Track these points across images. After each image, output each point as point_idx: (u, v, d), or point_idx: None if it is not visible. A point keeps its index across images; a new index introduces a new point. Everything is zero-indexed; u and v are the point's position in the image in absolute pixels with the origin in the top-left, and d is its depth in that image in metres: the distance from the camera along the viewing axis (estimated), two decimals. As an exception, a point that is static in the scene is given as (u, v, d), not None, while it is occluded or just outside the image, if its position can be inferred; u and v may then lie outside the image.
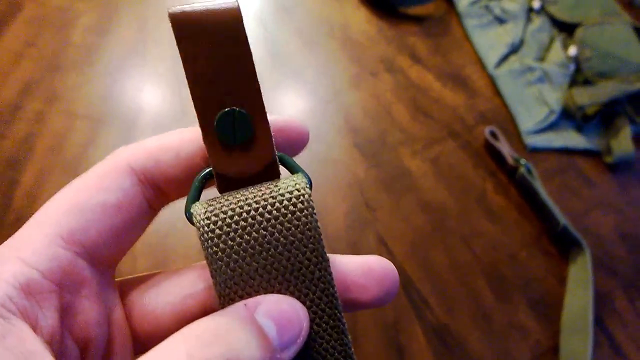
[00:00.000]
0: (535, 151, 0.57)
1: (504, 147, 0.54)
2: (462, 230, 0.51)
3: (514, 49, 0.63)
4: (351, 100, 0.61)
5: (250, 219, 0.17)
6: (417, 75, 0.63)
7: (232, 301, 0.17)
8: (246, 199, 0.17)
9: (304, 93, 0.62)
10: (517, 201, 0.53)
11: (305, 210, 0.18)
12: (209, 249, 0.17)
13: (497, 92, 0.61)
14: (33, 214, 0.48)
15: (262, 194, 0.17)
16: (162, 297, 0.19)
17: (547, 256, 0.50)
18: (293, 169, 0.19)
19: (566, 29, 0.64)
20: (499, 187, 0.54)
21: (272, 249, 0.17)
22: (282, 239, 0.17)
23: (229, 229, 0.17)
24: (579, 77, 0.61)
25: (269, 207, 0.17)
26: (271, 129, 0.19)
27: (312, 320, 0.18)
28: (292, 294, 0.17)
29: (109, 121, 0.59)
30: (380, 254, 0.48)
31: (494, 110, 0.60)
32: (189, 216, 0.18)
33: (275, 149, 0.19)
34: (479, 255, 0.49)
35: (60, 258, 0.16)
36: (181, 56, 0.18)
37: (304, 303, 0.17)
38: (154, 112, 0.60)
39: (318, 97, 0.61)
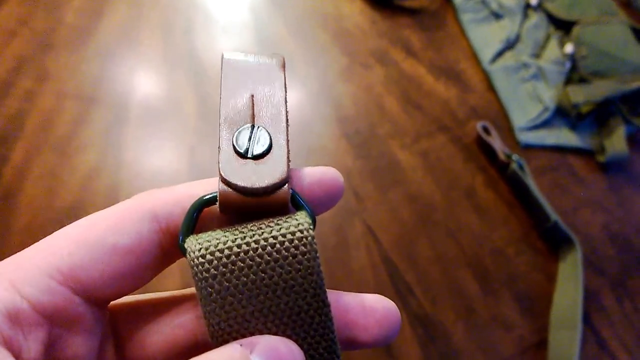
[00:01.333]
0: (527, 148, 0.56)
1: (496, 143, 0.54)
2: (449, 224, 0.51)
3: (510, 45, 0.63)
4: (341, 92, 0.61)
5: (248, 260, 0.16)
6: (410, 68, 0.63)
7: (225, 342, 0.16)
8: (244, 237, 0.16)
9: (294, 83, 0.61)
10: (506, 197, 0.53)
11: (307, 254, 0.17)
12: (202, 290, 0.16)
13: (491, 88, 0.61)
14: (22, 189, 0.47)
15: (262, 232, 0.17)
16: (152, 326, 0.19)
17: (535, 252, 0.50)
18: (298, 207, 0.18)
19: (563, 26, 0.64)
20: (489, 183, 0.54)
21: (271, 293, 0.16)
22: (281, 282, 0.16)
23: (224, 269, 0.16)
24: (575, 75, 0.61)
25: (268, 248, 0.16)
26: (304, 175, 0.19)
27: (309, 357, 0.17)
28: (289, 337, 0.17)
29: (100, 102, 0.59)
30: (367, 243, 0.48)
31: (487, 106, 0.60)
32: (183, 250, 0.17)
33: (288, 170, 0.18)
34: (465, 248, 0.49)
35: (54, 292, 0.15)
36: (222, 88, 0.19)
37: (301, 346, 0.17)
38: (144, 94, 0.59)
39: (308, 88, 0.61)
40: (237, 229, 0.17)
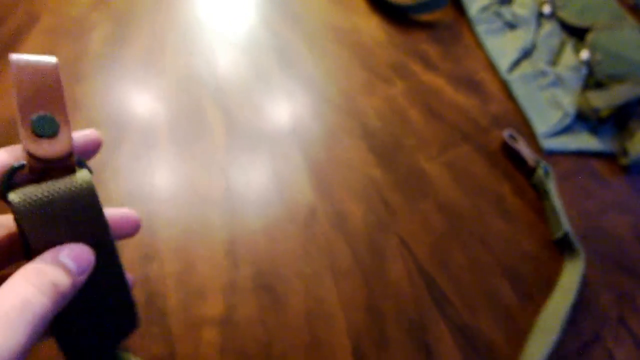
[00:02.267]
0: (550, 154, 0.58)
1: (524, 149, 0.56)
2: (481, 232, 0.53)
3: (526, 54, 0.65)
4: (364, 105, 0.63)
5: (52, 201, 0.24)
6: (430, 80, 0.65)
7: (41, 252, 0.24)
8: (49, 187, 0.25)
9: (316, 99, 0.63)
10: (534, 203, 0.55)
11: (89, 192, 0.25)
12: (24, 223, 0.23)
13: (510, 96, 0.63)
14: None
15: (61, 183, 0.25)
16: None
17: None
18: (82, 166, 0.27)
19: (576, 33, 0.67)
20: (516, 189, 0.56)
21: (69, 220, 0.25)
22: (75, 210, 0.25)
23: (37, 208, 0.24)
24: (590, 80, 0.63)
25: (66, 191, 0.25)
26: (74, 136, 0.27)
27: (97, 254, 0.26)
28: (84, 242, 0.25)
29: (129, 128, 0.60)
30: (401, 255, 0.50)
31: (508, 114, 0.62)
32: (6, 201, 0.24)
33: (73, 145, 0.26)
34: (498, 255, 0.51)
35: None
36: (14, 86, 0.25)
37: (92, 246, 0.26)
38: (173, 118, 0.61)
39: (330, 103, 0.63)
40: (43, 184, 0.25)
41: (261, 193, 0.56)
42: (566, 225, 0.50)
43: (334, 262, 0.51)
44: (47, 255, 0.24)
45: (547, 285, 0.50)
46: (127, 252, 0.51)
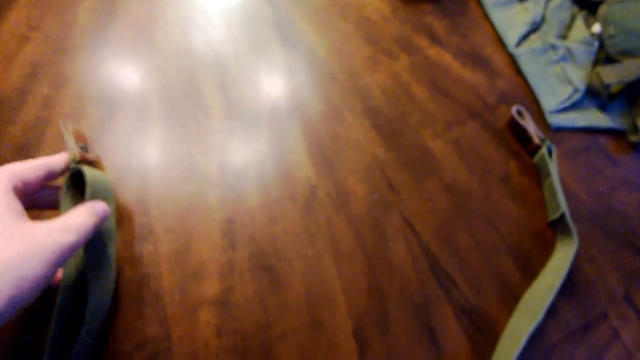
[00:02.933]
0: (558, 130, 0.58)
1: (530, 126, 0.55)
2: (487, 211, 0.52)
3: (535, 27, 0.65)
4: (368, 82, 0.62)
5: (95, 175, 0.47)
6: (436, 55, 0.64)
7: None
8: (93, 170, 0.47)
9: (317, 75, 0.63)
10: (541, 181, 0.55)
11: (106, 175, 0.48)
12: (89, 183, 0.45)
13: (518, 72, 0.62)
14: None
15: (97, 170, 0.48)
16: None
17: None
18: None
19: (588, 6, 0.66)
20: (523, 167, 0.55)
21: (100, 186, 0.47)
22: (104, 183, 0.48)
23: (91, 175, 0.46)
24: (601, 54, 0.62)
25: (100, 173, 0.48)
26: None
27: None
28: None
29: (120, 105, 0.60)
30: (405, 235, 0.50)
31: (515, 90, 0.61)
32: (79, 170, 0.46)
33: (96, 156, 0.51)
34: (505, 235, 0.51)
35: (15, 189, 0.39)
36: None
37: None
38: (167, 94, 0.60)
39: (333, 78, 0.62)
40: (92, 167, 0.48)
41: (260, 171, 0.55)
42: (563, 206, 0.50)
43: (336, 243, 0.50)
44: (86, 208, 0.40)
45: (554, 265, 0.50)
46: (122, 231, 0.51)
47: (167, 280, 0.49)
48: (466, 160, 0.56)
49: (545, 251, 0.50)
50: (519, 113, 0.57)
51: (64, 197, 0.45)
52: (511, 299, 0.47)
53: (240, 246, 0.50)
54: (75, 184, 0.47)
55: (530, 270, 0.49)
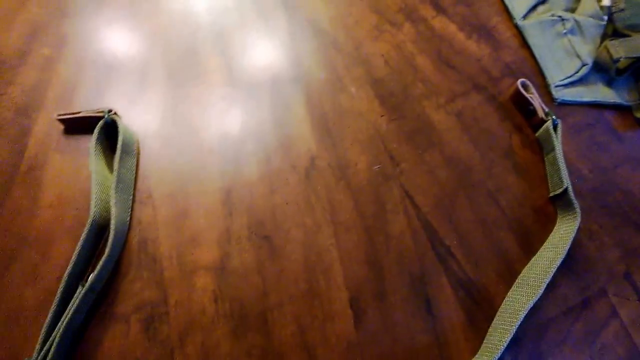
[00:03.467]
0: (563, 105, 0.55)
1: (535, 100, 0.52)
2: (488, 185, 0.50)
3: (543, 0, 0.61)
4: (372, 51, 0.59)
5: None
6: (440, 26, 0.61)
7: None
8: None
9: (321, 43, 0.59)
10: (543, 156, 0.52)
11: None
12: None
13: (524, 44, 0.59)
14: (47, 162, 0.51)
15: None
16: None
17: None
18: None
19: (598, -22, 0.62)
20: (526, 142, 0.53)
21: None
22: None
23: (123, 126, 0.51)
24: (609, 28, 0.58)
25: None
26: None
27: None
28: None
29: (121, 68, 0.57)
30: (404, 207, 0.48)
31: (521, 63, 0.58)
32: (112, 119, 0.51)
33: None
34: (505, 209, 0.48)
35: None
36: None
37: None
38: (167, 60, 0.57)
39: (337, 47, 0.59)
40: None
41: (260, 141, 0.53)
42: (566, 181, 0.47)
43: (335, 213, 0.48)
44: None
45: (554, 241, 0.47)
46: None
47: (165, 245, 0.47)
48: (469, 133, 0.53)
49: (545, 226, 0.48)
50: (524, 86, 0.54)
51: (94, 144, 0.49)
52: (510, 273, 0.45)
53: (239, 214, 0.48)
54: (105, 134, 0.51)
55: (530, 246, 0.47)
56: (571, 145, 0.52)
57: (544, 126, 0.51)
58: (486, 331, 0.42)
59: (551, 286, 0.44)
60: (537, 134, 0.52)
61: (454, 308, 0.43)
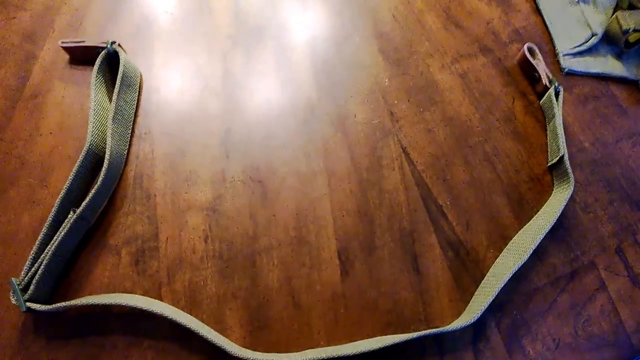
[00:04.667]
0: (570, 74, 0.45)
1: (541, 66, 0.43)
2: (486, 148, 0.41)
3: (561, -36, 0.50)
4: (381, 5, 0.49)
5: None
6: (453, -14, 0.50)
7: None
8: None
9: (334, -6, 0.49)
10: (545, 124, 0.43)
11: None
12: None
13: (536, 10, 0.49)
14: (51, 89, 0.38)
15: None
16: None
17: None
18: None
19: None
20: (529, 108, 0.43)
21: None
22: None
23: None
24: (624, 2, 0.48)
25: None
26: None
27: None
28: None
29: (130, 2, 0.47)
30: (400, 163, 0.38)
31: (531, 29, 0.48)
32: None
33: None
34: (501, 174, 0.40)
35: None
36: None
37: None
38: (174, 2, 0.48)
39: None
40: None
41: (262, 84, 0.44)
42: (563, 149, 0.39)
43: (330, 163, 0.40)
44: None
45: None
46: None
47: (160, 182, 0.39)
48: (471, 94, 0.44)
49: (541, 195, 0.39)
50: (530, 51, 0.44)
51: (95, 74, 0.40)
52: (500, 238, 0.37)
53: (235, 157, 0.40)
54: (108, 65, 0.42)
55: (523, 212, 0.39)
56: (575, 116, 0.43)
57: (547, 93, 0.42)
58: (471, 294, 0.35)
59: (540, 255, 0.37)
60: (540, 101, 0.43)
61: (441, 268, 0.36)
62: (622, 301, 0.35)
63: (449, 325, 0.33)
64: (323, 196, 0.38)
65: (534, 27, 0.48)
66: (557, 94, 0.42)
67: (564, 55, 0.45)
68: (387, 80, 0.44)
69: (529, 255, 0.34)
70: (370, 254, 0.36)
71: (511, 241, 0.37)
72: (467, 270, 0.36)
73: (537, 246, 0.35)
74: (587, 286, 0.35)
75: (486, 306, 0.33)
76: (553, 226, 0.37)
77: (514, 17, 0.48)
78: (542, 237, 0.35)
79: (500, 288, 0.33)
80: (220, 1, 0.48)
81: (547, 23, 0.47)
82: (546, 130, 0.42)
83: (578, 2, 0.47)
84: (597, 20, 0.46)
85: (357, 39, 0.46)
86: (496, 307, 0.35)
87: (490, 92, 0.44)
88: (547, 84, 0.42)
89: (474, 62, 0.45)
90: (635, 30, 0.44)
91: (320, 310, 0.34)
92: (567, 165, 0.38)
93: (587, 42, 0.45)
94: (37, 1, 0.47)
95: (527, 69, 0.44)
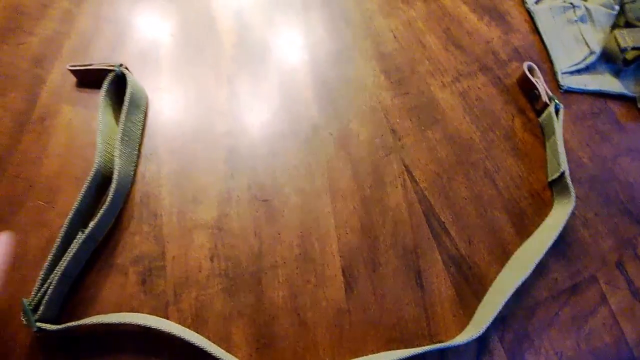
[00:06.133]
0: (568, 92, 0.48)
1: (540, 84, 0.46)
2: (487, 165, 0.44)
3: (558, -15, 0.54)
4: (382, 26, 0.52)
5: None
6: (452, 5, 0.54)
7: None
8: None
9: (333, 14, 0.53)
10: (544, 140, 0.46)
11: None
12: None
13: (535, 29, 0.52)
14: (59, 111, 0.40)
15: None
16: None
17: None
18: None
19: (614, -32, 0.54)
20: (528, 126, 0.47)
21: None
22: None
23: None
24: (620, 19, 0.51)
25: None
26: None
27: None
28: None
29: (136, 27, 0.51)
30: (403, 181, 0.42)
31: (530, 48, 0.51)
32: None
33: None
34: (502, 190, 0.43)
35: None
36: None
37: None
38: (182, 21, 0.51)
39: (348, 20, 0.52)
40: None
41: (266, 104, 0.47)
42: (564, 165, 0.42)
43: (333, 181, 0.43)
44: None
45: (548, 224, 0.42)
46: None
47: (166, 201, 0.42)
48: (472, 112, 0.47)
49: (541, 210, 0.42)
50: (530, 69, 0.47)
51: (103, 96, 0.43)
52: (502, 253, 0.40)
53: (240, 176, 0.43)
54: (115, 87, 0.45)
55: (524, 228, 0.41)
56: (573, 132, 0.46)
57: (547, 110, 0.45)
58: (474, 309, 0.38)
59: (542, 269, 0.39)
60: (540, 118, 0.46)
61: (444, 283, 0.38)
62: (623, 315, 0.37)
63: (453, 340, 0.35)
64: (327, 214, 0.41)
65: (532, 46, 0.51)
66: (557, 111, 0.45)
67: (563, 73, 0.48)
68: (389, 99, 0.47)
69: (531, 270, 0.37)
70: (374, 271, 0.39)
71: (513, 256, 0.39)
72: (470, 286, 0.38)
73: (539, 261, 0.38)
74: (588, 300, 0.38)
75: (491, 320, 0.35)
76: (555, 240, 0.39)
77: (513, 37, 0.52)
78: (545, 251, 0.37)
79: (504, 303, 0.35)
80: (225, 23, 0.52)
81: (546, 42, 0.50)
82: (545, 147, 0.45)
83: (576, 21, 0.51)
84: (595, 38, 0.50)
85: (360, 60, 0.50)
86: (499, 321, 0.37)
87: (490, 110, 0.47)
88: (547, 101, 0.45)
89: (474, 81, 0.49)
90: (633, 48, 0.48)
91: (325, 326, 0.37)
92: (568, 181, 0.41)
93: (585, 60, 0.49)
94: (45, 27, 0.51)
95: (526, 87, 0.48)
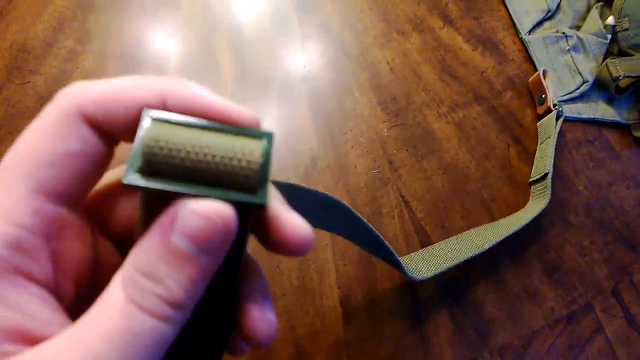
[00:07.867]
0: (563, 120, 0.52)
1: (550, 90, 0.50)
2: (483, 194, 0.47)
3: (550, 16, 0.58)
4: (378, 58, 0.56)
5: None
6: (447, 37, 0.58)
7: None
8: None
9: (330, 47, 0.57)
10: (536, 145, 0.49)
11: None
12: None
13: (528, 59, 0.56)
14: None
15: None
16: (118, 204, 0.19)
17: (566, 225, 0.46)
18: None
19: (605, -3, 0.58)
20: (523, 155, 0.50)
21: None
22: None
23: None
24: (613, 47, 0.55)
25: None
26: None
27: None
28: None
29: (140, 62, 0.55)
30: (400, 212, 0.45)
31: (524, 77, 0.55)
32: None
33: None
34: (498, 219, 0.46)
35: (41, 211, 0.15)
36: None
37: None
38: (183, 56, 0.56)
39: (344, 51, 0.57)
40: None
41: (265, 138, 0.51)
42: (549, 167, 0.45)
43: (332, 212, 0.46)
44: (153, 240, 0.14)
45: (544, 251, 0.45)
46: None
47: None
48: (467, 142, 0.50)
49: (536, 238, 0.45)
50: (544, 73, 0.52)
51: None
52: (497, 281, 0.43)
53: (239, 208, 0.46)
54: None
55: (519, 255, 0.44)
56: (568, 160, 0.49)
57: (549, 114, 0.49)
58: (472, 338, 0.40)
59: (538, 298, 0.42)
60: (538, 123, 0.51)
61: (442, 314, 0.41)
62: (619, 342, 0.40)
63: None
64: (325, 246, 0.44)
65: (526, 76, 0.55)
66: (558, 117, 0.49)
67: (557, 101, 0.52)
68: (386, 130, 0.51)
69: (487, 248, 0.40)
70: (373, 302, 0.42)
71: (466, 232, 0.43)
72: (466, 314, 0.41)
73: (535, 289, 0.41)
74: (584, 328, 0.40)
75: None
76: (551, 268, 0.42)
77: (507, 67, 0.56)
78: (506, 235, 0.41)
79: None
80: (226, 57, 0.56)
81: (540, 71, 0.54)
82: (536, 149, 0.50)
83: (569, 50, 0.55)
84: (588, 67, 0.54)
85: (356, 92, 0.54)
86: (496, 350, 0.39)
87: (485, 139, 0.51)
88: (551, 106, 0.49)
89: (469, 111, 0.52)
90: (625, 77, 0.51)
91: (324, 358, 0.39)
92: (549, 183, 0.44)
93: (578, 89, 0.52)
94: (50, 65, 0.55)
95: (536, 90, 0.52)
